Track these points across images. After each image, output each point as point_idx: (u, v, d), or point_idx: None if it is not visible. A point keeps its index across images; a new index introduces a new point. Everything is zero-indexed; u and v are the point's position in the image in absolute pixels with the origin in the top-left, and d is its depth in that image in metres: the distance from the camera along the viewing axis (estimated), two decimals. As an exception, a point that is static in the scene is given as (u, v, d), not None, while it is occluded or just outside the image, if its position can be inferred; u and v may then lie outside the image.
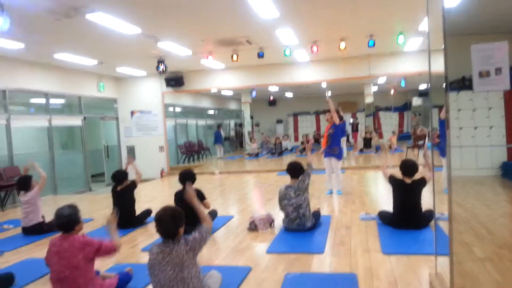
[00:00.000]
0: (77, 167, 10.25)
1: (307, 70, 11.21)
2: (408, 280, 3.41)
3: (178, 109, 15.30)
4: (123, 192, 5.72)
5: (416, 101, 21.45)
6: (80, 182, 10.21)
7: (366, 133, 16.02)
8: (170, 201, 7.62)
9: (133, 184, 5.79)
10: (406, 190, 4.90)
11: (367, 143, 15.69)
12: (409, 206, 4.86)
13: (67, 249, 3.12)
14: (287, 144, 18.15)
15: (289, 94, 21.05)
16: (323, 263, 3.99)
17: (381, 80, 15.13)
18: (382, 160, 5.27)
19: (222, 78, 11.65)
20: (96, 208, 7.73)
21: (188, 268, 2.80)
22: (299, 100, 22.60)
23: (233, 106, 22.13)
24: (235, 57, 9.20)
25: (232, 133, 21.98)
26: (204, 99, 17.88)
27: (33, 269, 4.13)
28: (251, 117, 18.94)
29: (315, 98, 22.19)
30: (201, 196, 5.18)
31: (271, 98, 21.56)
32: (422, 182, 4.92)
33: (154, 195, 8.78)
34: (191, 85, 11.70)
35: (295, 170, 5.22)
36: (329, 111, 7.32)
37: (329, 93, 20.32)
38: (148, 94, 11.75)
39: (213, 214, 5.49)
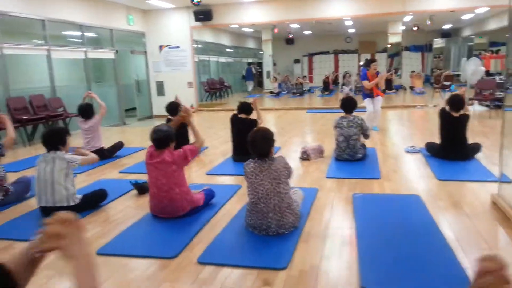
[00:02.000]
0: (111, 101, 10.41)
1: (339, 4, 10.99)
2: (470, 201, 3.72)
3: (199, 46, 15.18)
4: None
5: (437, 42, 20.97)
6: (114, 116, 10.44)
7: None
8: (210, 135, 7.92)
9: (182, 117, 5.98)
10: (454, 123, 5.11)
11: (388, 84, 15.67)
12: (456, 138, 5.09)
13: (161, 162, 3.42)
14: (306, 85, 18.15)
15: (307, 32, 20.63)
16: (382, 186, 4.29)
17: (407, 18, 14.80)
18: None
19: (251, 12, 11.46)
20: (145, 138, 8.06)
21: (283, 184, 3.09)
22: (317, 38, 22.13)
23: (251, 44, 21.83)
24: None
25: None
26: (224, 36, 17.63)
27: (112, 187, 4.44)
28: (272, 56, 18.72)
29: (335, 37, 21.78)
30: (255, 124, 5.47)
31: (290, 36, 21.12)
32: (467, 116, 5.15)
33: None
34: (219, 19, 11.55)
35: (349, 106, 5.39)
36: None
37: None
38: (176, 28, 11.65)
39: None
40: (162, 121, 10.21)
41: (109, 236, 3.26)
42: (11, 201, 4.16)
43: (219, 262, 2.73)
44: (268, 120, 9.97)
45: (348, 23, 16.36)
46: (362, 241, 2.95)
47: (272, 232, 3.09)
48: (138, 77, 11.65)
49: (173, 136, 3.54)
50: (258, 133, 3.15)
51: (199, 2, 9.27)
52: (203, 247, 2.98)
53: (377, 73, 7.42)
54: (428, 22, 15.35)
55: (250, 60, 21.76)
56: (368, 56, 19.71)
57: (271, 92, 16.93)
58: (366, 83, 7.39)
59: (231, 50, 19.19)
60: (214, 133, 8.03)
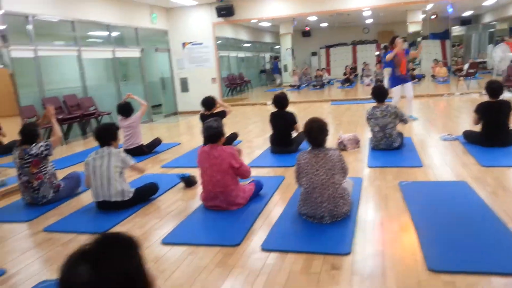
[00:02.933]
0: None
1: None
2: (520, 186, 3.72)
3: (219, 42, 15.21)
4: (213, 116, 6.03)
5: (456, 30, 20.60)
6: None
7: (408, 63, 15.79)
8: (241, 130, 7.97)
9: (223, 113, 6.05)
10: (494, 109, 5.07)
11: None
12: (497, 123, 5.05)
13: (218, 157, 3.52)
14: (326, 77, 18.09)
15: (324, 24, 20.51)
16: (426, 174, 4.32)
17: (428, 6, 14.61)
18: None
19: (272, 6, 11.49)
20: (175, 134, 8.22)
21: (337, 175, 3.15)
22: (334, 30, 21.89)
23: (268, 38, 21.80)
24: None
25: (268, 66, 21.91)
26: (242, 31, 17.66)
27: (157, 181, 4.54)
28: (292, 49, 18.65)
29: (352, 28, 21.58)
30: (294, 119, 5.53)
31: (307, 28, 20.98)
32: (508, 102, 5.10)
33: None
34: (241, 15, 11.61)
35: (381, 94, 5.40)
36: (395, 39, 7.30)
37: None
38: (199, 25, 11.73)
39: (303, 137, 5.83)
40: (188, 117, 10.40)
41: (168, 227, 3.37)
42: (62, 196, 4.31)
43: (283, 249, 2.81)
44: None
45: (367, 13, 16.23)
46: (420, 226, 2.99)
47: (326, 221, 3.15)
48: (162, 74, 11.78)
49: (223, 131, 3.65)
50: (314, 123, 3.22)
51: (224, -3, 9.30)
52: (263, 235, 3.07)
53: (406, 50, 7.26)
54: (450, 10, 15.11)
55: (268, 54, 21.85)
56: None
57: (291, 86, 16.93)
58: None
59: (248, 45, 19.23)
60: (244, 128, 8.12)
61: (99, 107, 8.89)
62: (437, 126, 6.88)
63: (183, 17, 11.78)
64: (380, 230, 3.03)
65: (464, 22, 20.23)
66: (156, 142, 6.33)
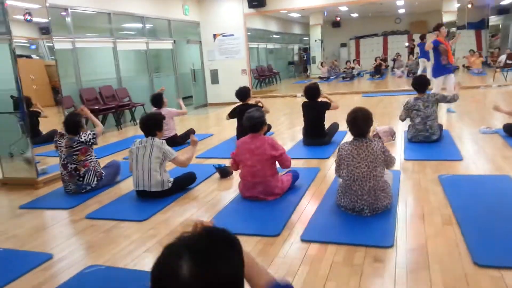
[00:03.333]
0: (170, 90, 10.71)
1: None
2: None
3: (248, 33, 15.15)
4: (249, 107, 6.03)
5: (493, 20, 19.78)
6: (173, 105, 10.71)
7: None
8: (272, 121, 7.98)
9: (259, 106, 6.01)
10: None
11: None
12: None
13: (259, 147, 3.53)
14: (357, 68, 17.80)
15: (354, 15, 20.12)
16: (467, 168, 4.22)
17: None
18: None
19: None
20: (205, 126, 8.30)
21: (379, 167, 3.10)
22: (365, 20, 21.49)
23: (297, 30, 21.61)
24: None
25: (296, 58, 21.76)
26: (272, 22, 17.57)
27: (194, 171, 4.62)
28: (322, 41, 18.41)
29: (383, 18, 21.09)
30: (325, 104, 5.51)
31: (337, 18, 20.60)
32: None
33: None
34: (272, 5, 11.55)
35: (422, 85, 5.29)
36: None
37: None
38: (230, 16, 11.75)
39: (336, 125, 5.78)
40: (218, 109, 10.47)
41: (207, 216, 3.42)
42: (104, 184, 4.42)
43: (323, 240, 2.81)
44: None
45: (399, 3, 15.85)
46: (463, 220, 2.92)
47: (365, 213, 3.12)
48: (193, 66, 11.89)
49: (265, 120, 3.66)
50: (358, 113, 3.17)
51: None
52: (302, 226, 3.07)
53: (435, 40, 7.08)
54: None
55: (296, 46, 21.72)
56: (418, 37, 18.89)
57: (320, 78, 16.77)
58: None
59: (278, 37, 19.13)
60: (276, 119, 8.11)
61: (133, 98, 9.06)
62: (475, 119, 6.68)
63: (215, 8, 11.82)
64: (422, 224, 2.98)
65: (502, 11, 19.43)
66: (190, 133, 6.39)
